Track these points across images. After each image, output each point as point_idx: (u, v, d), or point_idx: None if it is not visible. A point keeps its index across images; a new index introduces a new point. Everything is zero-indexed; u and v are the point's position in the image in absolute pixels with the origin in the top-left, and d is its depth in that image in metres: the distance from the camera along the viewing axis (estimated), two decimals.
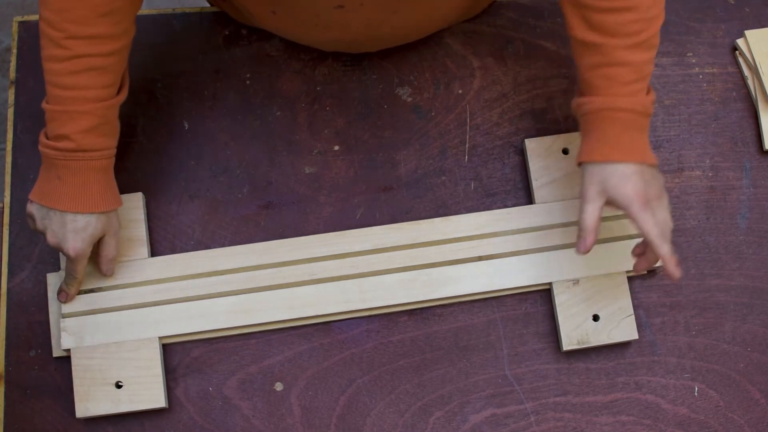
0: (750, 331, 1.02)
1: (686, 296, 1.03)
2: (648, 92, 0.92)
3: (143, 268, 1.00)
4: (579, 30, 0.89)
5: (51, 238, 0.92)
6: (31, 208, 0.94)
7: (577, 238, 0.92)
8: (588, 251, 0.91)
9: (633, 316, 0.99)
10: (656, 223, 0.89)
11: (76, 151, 0.90)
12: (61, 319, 0.98)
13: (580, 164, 0.93)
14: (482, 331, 1.02)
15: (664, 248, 0.89)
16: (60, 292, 0.98)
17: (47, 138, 0.91)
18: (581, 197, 0.92)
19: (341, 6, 0.92)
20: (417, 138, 1.07)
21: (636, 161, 0.89)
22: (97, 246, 0.97)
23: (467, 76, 1.09)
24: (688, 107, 1.09)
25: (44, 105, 0.90)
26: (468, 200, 1.05)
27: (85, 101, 0.89)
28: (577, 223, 0.92)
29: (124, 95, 0.94)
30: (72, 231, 0.92)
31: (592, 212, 0.90)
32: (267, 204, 1.05)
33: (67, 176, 0.91)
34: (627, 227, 1.01)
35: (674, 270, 0.89)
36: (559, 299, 1.00)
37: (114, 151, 0.94)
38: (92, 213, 0.92)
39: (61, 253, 1.00)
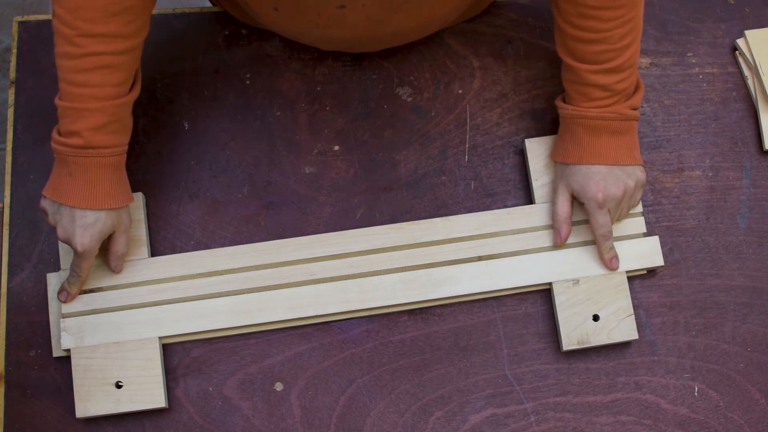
0: (750, 331, 1.02)
1: (686, 296, 1.03)
2: (632, 95, 0.97)
3: (143, 268, 1.00)
4: (559, 50, 0.99)
5: (60, 233, 0.93)
6: (44, 203, 0.95)
7: (553, 231, 1.01)
8: (563, 242, 1.00)
9: (633, 316, 0.99)
10: (604, 223, 0.98)
11: (86, 148, 0.91)
12: (61, 319, 0.98)
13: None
14: (482, 331, 1.02)
15: (603, 246, 0.99)
16: (61, 291, 0.98)
17: (59, 134, 0.92)
18: (552, 191, 1.02)
19: (343, 6, 0.92)
20: (417, 138, 1.07)
21: (606, 164, 0.97)
22: (107, 242, 0.97)
23: (467, 76, 1.10)
24: (688, 107, 1.09)
25: (57, 101, 0.91)
26: (468, 200, 1.05)
27: (96, 99, 0.90)
28: (551, 217, 1.01)
29: (136, 93, 0.95)
30: (81, 227, 0.92)
31: (562, 205, 1.00)
32: (267, 204, 1.05)
33: (77, 173, 0.92)
34: (627, 228, 1.02)
35: (608, 265, 1.00)
36: (559, 299, 1.00)
37: (125, 147, 0.95)
38: (101, 209, 0.93)
39: (62, 253, 1.00)
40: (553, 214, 1.00)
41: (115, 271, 0.99)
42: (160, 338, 0.99)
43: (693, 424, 1.00)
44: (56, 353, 1.00)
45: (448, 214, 1.04)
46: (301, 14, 0.96)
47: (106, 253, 0.98)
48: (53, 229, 0.95)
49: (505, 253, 1.01)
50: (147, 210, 1.04)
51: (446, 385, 1.00)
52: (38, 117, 1.07)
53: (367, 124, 1.08)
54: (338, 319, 1.01)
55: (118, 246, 0.98)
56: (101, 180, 0.93)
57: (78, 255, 0.94)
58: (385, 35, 1.01)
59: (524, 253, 1.01)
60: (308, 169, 1.06)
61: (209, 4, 1.16)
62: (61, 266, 1.01)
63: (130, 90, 0.94)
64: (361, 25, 0.96)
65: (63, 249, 1.01)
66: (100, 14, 0.87)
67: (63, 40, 0.88)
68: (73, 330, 0.98)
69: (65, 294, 0.98)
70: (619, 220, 1.01)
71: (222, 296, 1.00)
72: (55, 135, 0.92)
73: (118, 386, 0.97)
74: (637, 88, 0.98)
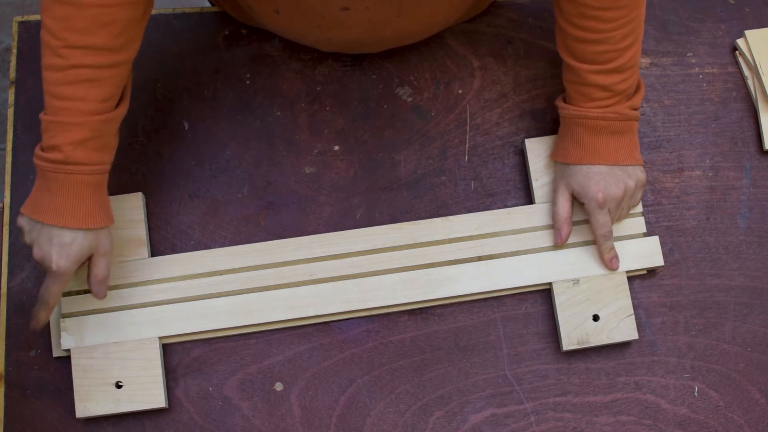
0: (750, 331, 1.02)
1: (686, 296, 1.03)
2: (632, 96, 0.97)
3: (143, 268, 1.00)
4: (560, 50, 0.98)
5: (36, 253, 0.90)
6: (21, 220, 0.91)
7: (553, 231, 1.01)
8: (564, 242, 1.00)
9: (633, 316, 0.99)
10: (605, 223, 0.98)
11: (66, 164, 0.88)
12: (61, 319, 0.98)
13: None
14: (482, 331, 1.02)
15: (603, 246, 0.99)
16: (31, 319, 0.93)
17: (42, 150, 0.89)
18: (553, 191, 1.01)
19: (346, 8, 0.92)
20: (417, 138, 1.07)
21: (606, 164, 0.97)
22: (88, 266, 0.94)
23: (467, 76, 1.10)
24: (688, 107, 1.09)
25: (41, 116, 0.89)
26: (468, 200, 1.05)
27: (79, 113, 0.87)
28: (551, 217, 1.01)
29: (122, 110, 0.92)
30: (57, 246, 0.89)
31: (562, 205, 0.99)
32: (267, 204, 1.05)
33: (56, 189, 0.89)
34: (627, 227, 1.02)
35: (608, 265, 1.00)
36: (559, 299, 1.00)
37: (108, 167, 0.92)
38: (79, 229, 0.90)
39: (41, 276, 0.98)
40: (554, 214, 1.00)
41: (98, 296, 0.95)
42: (160, 338, 0.99)
43: (693, 424, 1.00)
44: (56, 353, 1.00)
45: (448, 214, 1.04)
46: (302, 16, 0.95)
47: (87, 278, 0.95)
48: (29, 248, 0.91)
49: (505, 253, 1.01)
50: (147, 210, 1.04)
51: (446, 385, 1.00)
52: (38, 117, 1.07)
53: (367, 124, 1.08)
54: (338, 319, 1.01)
55: (98, 270, 0.93)
56: (80, 199, 0.89)
57: (51, 276, 0.90)
58: (388, 37, 1.01)
59: (524, 253, 1.01)
60: (308, 169, 1.06)
61: (209, 5, 1.16)
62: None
63: (117, 107, 0.91)
64: (364, 27, 0.96)
65: None
66: (88, 24, 0.85)
67: (49, 51, 0.87)
68: (73, 330, 0.98)
69: (34, 322, 0.93)
70: (619, 220, 1.01)
71: (222, 296, 1.00)
72: (37, 150, 0.90)
73: (118, 386, 0.97)
74: (637, 89, 0.98)
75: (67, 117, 0.87)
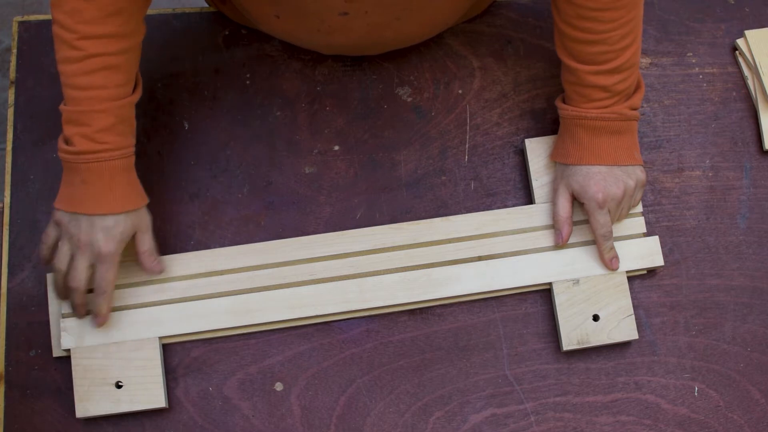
0: (750, 331, 1.02)
1: (686, 296, 1.03)
2: (632, 95, 0.97)
3: None
4: (559, 51, 0.98)
5: (84, 238, 0.91)
6: (58, 215, 0.93)
7: (554, 232, 1.01)
8: (565, 242, 1.00)
9: (633, 316, 0.99)
10: (605, 223, 0.98)
11: (97, 152, 0.91)
12: (61, 319, 0.98)
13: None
14: (482, 331, 1.02)
15: (603, 246, 0.99)
16: (92, 315, 0.96)
17: (66, 143, 0.92)
18: (553, 191, 1.01)
19: (345, 13, 0.92)
20: (417, 138, 1.07)
21: (606, 164, 0.97)
22: (132, 246, 0.96)
23: (467, 76, 1.10)
24: (688, 107, 1.09)
25: (61, 107, 0.91)
26: (468, 200, 1.05)
27: (101, 101, 0.90)
28: (552, 218, 1.01)
29: (138, 95, 0.95)
30: (101, 230, 0.91)
31: (563, 205, 1.00)
32: (267, 204, 1.05)
33: (91, 178, 0.91)
34: (627, 227, 1.02)
35: (608, 265, 1.00)
36: (559, 299, 1.00)
37: (133, 149, 0.95)
38: (120, 213, 0.92)
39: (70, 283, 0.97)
40: (554, 214, 1.00)
41: (154, 270, 0.97)
42: (160, 338, 0.99)
43: (693, 424, 1.00)
44: (56, 353, 0.99)
45: (448, 214, 1.04)
46: (302, 21, 0.95)
47: (136, 256, 0.97)
48: (69, 242, 0.92)
49: (505, 253, 1.01)
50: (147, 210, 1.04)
51: (446, 385, 1.00)
52: (38, 117, 1.07)
53: (367, 124, 1.08)
54: (338, 319, 1.01)
55: (144, 245, 0.96)
56: (116, 183, 0.92)
57: (102, 262, 0.92)
58: (388, 40, 1.01)
59: (524, 253, 1.01)
60: (308, 169, 1.06)
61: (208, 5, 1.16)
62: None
63: (133, 92, 0.94)
64: (364, 32, 0.96)
65: None
66: (98, 15, 0.88)
67: (64, 44, 0.89)
68: (73, 330, 0.98)
69: (99, 318, 0.96)
70: (619, 220, 1.01)
71: (222, 296, 1.00)
72: (61, 144, 0.92)
73: (118, 386, 0.97)
74: (637, 88, 0.98)
75: (89, 105, 0.90)
